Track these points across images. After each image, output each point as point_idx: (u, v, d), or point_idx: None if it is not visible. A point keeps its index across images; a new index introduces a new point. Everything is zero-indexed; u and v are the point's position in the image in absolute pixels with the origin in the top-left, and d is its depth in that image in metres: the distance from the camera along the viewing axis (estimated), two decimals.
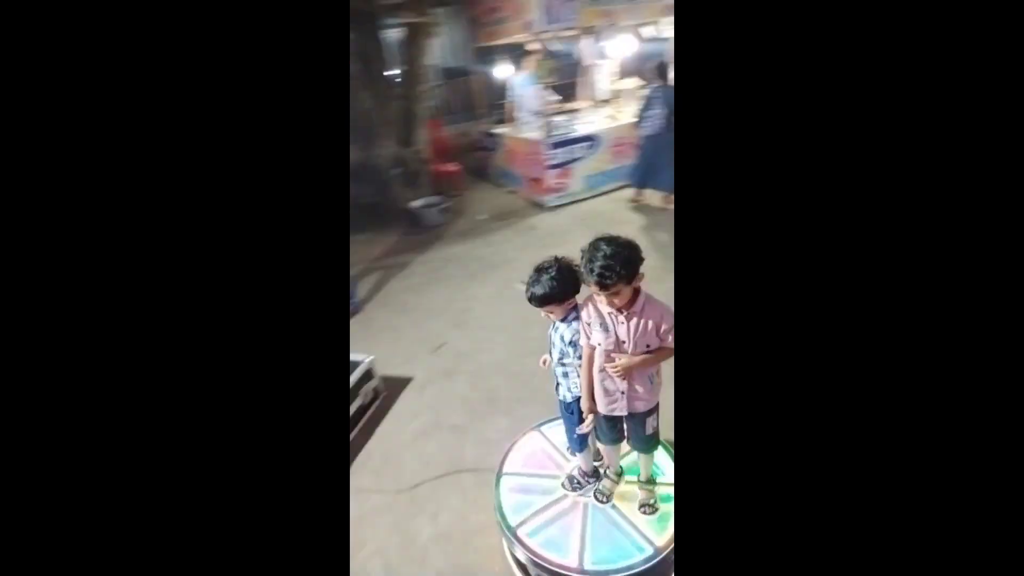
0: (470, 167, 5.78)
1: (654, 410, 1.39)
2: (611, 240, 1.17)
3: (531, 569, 1.45)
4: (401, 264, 4.09)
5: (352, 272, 3.44)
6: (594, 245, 1.17)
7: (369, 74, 4.50)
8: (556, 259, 1.32)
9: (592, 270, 1.14)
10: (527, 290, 1.34)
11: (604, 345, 1.26)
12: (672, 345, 1.25)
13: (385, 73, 4.68)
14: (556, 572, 1.36)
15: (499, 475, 1.67)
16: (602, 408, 1.37)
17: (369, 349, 2.53)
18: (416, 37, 4.56)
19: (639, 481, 1.52)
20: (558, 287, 1.29)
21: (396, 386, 2.60)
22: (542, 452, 1.75)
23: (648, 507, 1.47)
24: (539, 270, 1.32)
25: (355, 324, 3.26)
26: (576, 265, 1.27)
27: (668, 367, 1.31)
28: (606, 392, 1.34)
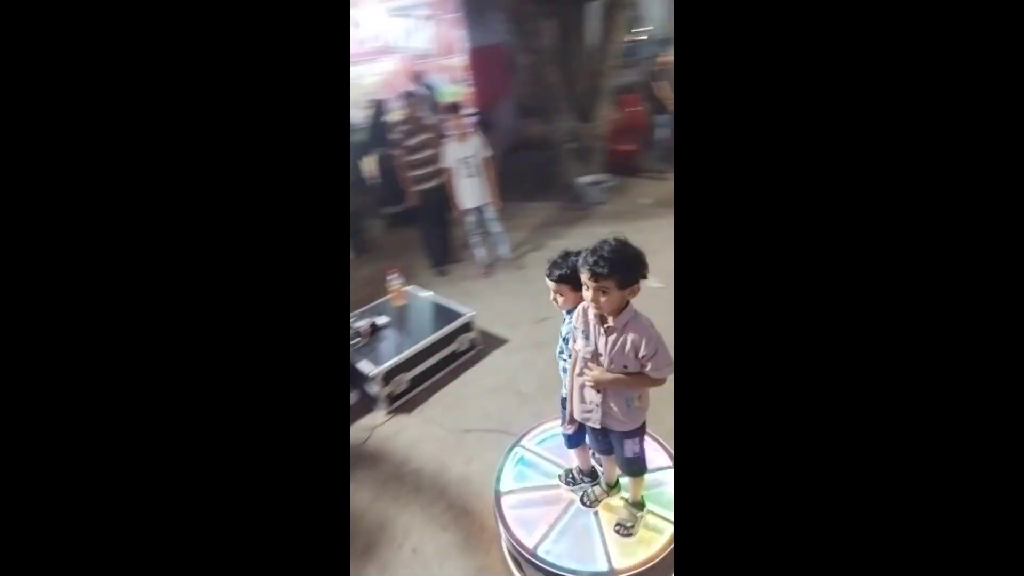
0: (648, 147, 5.47)
1: (634, 434, 1.30)
2: (620, 241, 1.14)
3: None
4: (551, 235, 4.28)
5: (504, 231, 3.74)
6: (603, 240, 1.15)
7: (564, 47, 4.63)
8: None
9: (588, 260, 1.12)
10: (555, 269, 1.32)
11: (582, 353, 1.24)
12: (655, 376, 1.17)
13: (585, 46, 4.73)
14: (513, 545, 1.43)
15: (497, 492, 1.62)
16: (577, 415, 1.35)
17: (484, 305, 2.82)
18: (613, 10, 4.46)
19: (624, 499, 1.45)
20: (570, 272, 1.28)
21: (492, 343, 2.87)
22: (531, 466, 1.71)
23: (622, 527, 1.39)
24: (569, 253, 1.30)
25: (484, 282, 3.64)
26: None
27: (657, 393, 1.20)
28: (582, 400, 1.31)
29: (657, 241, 3.79)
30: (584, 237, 4.02)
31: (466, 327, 2.73)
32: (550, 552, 1.38)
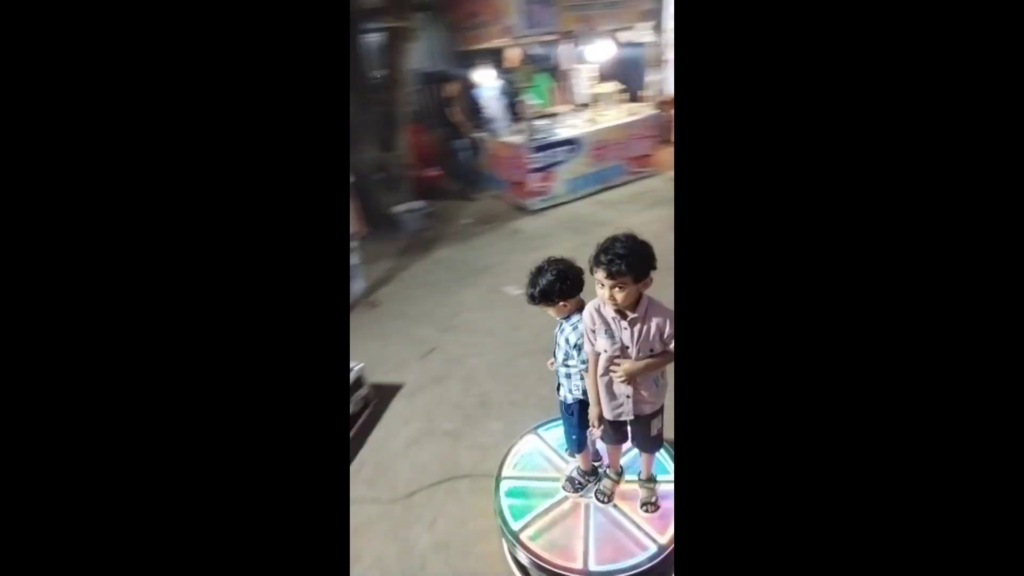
0: (452, 172, 5.75)
1: (659, 412, 1.41)
2: (629, 236, 1.20)
3: (533, 572, 1.44)
4: (385, 268, 4.05)
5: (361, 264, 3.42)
6: (612, 237, 1.20)
7: (352, 78, 4.46)
8: (552, 259, 1.34)
9: (602, 259, 1.16)
10: (527, 290, 1.36)
11: (609, 351, 1.28)
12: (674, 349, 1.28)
13: (368, 77, 4.65)
14: (560, 575, 1.36)
15: (498, 479, 1.67)
16: (608, 414, 1.38)
17: (358, 356, 2.49)
18: (396, 41, 4.53)
19: (639, 480, 1.54)
20: (557, 284, 1.30)
21: (387, 393, 2.57)
22: (540, 455, 1.76)
23: (650, 505, 1.48)
24: (538, 270, 1.35)
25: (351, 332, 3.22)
26: (575, 265, 1.31)
27: (669, 368, 1.35)
28: (612, 397, 1.35)
29: (495, 255, 4.08)
30: (423, 265, 4.00)
31: (357, 384, 2.38)
32: (602, 562, 1.36)
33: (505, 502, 1.58)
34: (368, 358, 2.54)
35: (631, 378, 1.29)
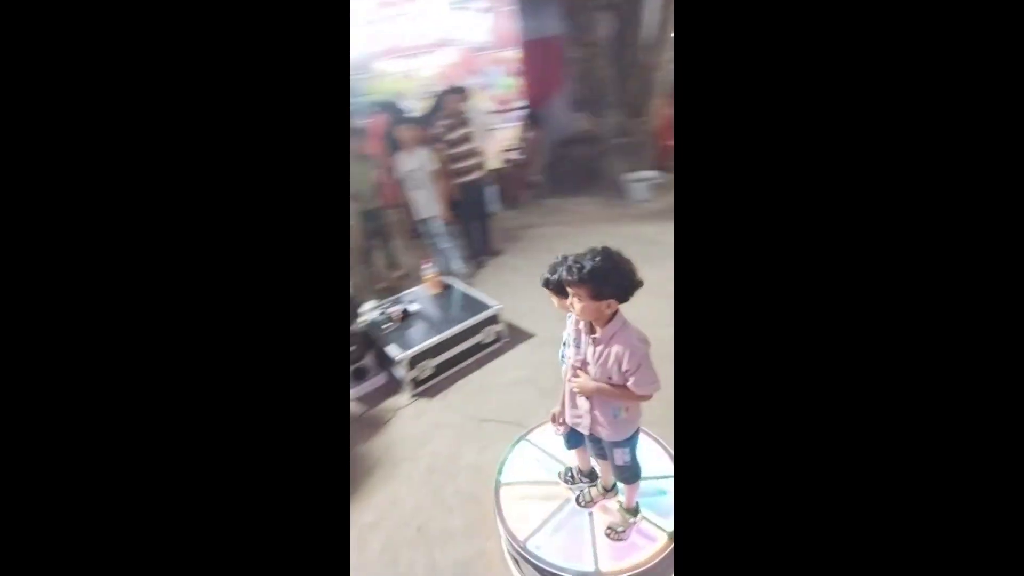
0: None
1: (624, 444, 1.29)
2: (606, 251, 1.12)
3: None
4: (592, 231, 4.22)
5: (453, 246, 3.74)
6: (592, 248, 1.15)
7: (619, 40, 4.53)
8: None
9: (568, 264, 1.13)
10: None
11: (572, 360, 1.25)
12: (637, 391, 1.15)
13: (641, 39, 4.62)
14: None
15: (498, 483, 1.67)
16: (568, 419, 1.36)
17: (515, 298, 2.90)
18: (673, 2, 4.29)
19: (620, 503, 1.44)
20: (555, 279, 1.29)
21: (518, 337, 2.90)
22: (535, 460, 1.75)
23: (613, 531, 1.39)
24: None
25: (522, 276, 3.67)
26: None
27: (647, 407, 1.19)
28: (573, 405, 1.33)
29: None
30: (619, 237, 3.99)
31: (493, 319, 2.78)
32: (540, 547, 1.40)
33: (512, 457, 1.73)
34: (522, 303, 2.94)
35: (585, 393, 1.22)
